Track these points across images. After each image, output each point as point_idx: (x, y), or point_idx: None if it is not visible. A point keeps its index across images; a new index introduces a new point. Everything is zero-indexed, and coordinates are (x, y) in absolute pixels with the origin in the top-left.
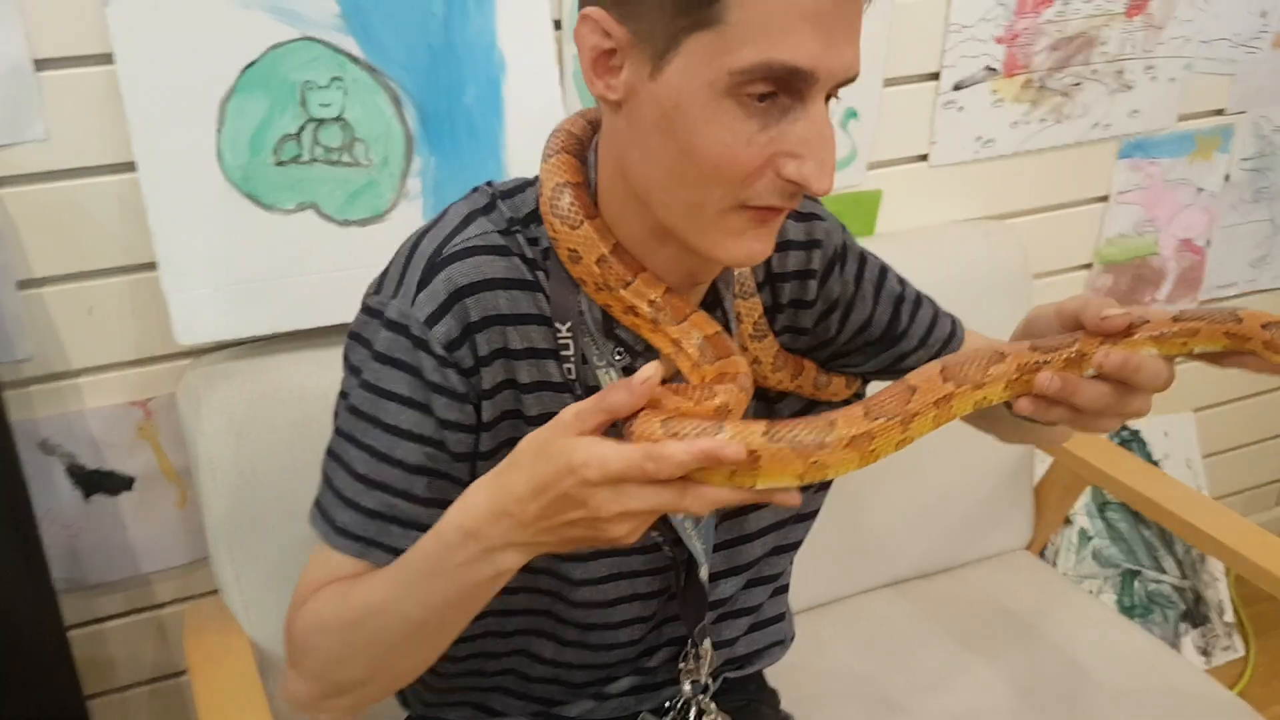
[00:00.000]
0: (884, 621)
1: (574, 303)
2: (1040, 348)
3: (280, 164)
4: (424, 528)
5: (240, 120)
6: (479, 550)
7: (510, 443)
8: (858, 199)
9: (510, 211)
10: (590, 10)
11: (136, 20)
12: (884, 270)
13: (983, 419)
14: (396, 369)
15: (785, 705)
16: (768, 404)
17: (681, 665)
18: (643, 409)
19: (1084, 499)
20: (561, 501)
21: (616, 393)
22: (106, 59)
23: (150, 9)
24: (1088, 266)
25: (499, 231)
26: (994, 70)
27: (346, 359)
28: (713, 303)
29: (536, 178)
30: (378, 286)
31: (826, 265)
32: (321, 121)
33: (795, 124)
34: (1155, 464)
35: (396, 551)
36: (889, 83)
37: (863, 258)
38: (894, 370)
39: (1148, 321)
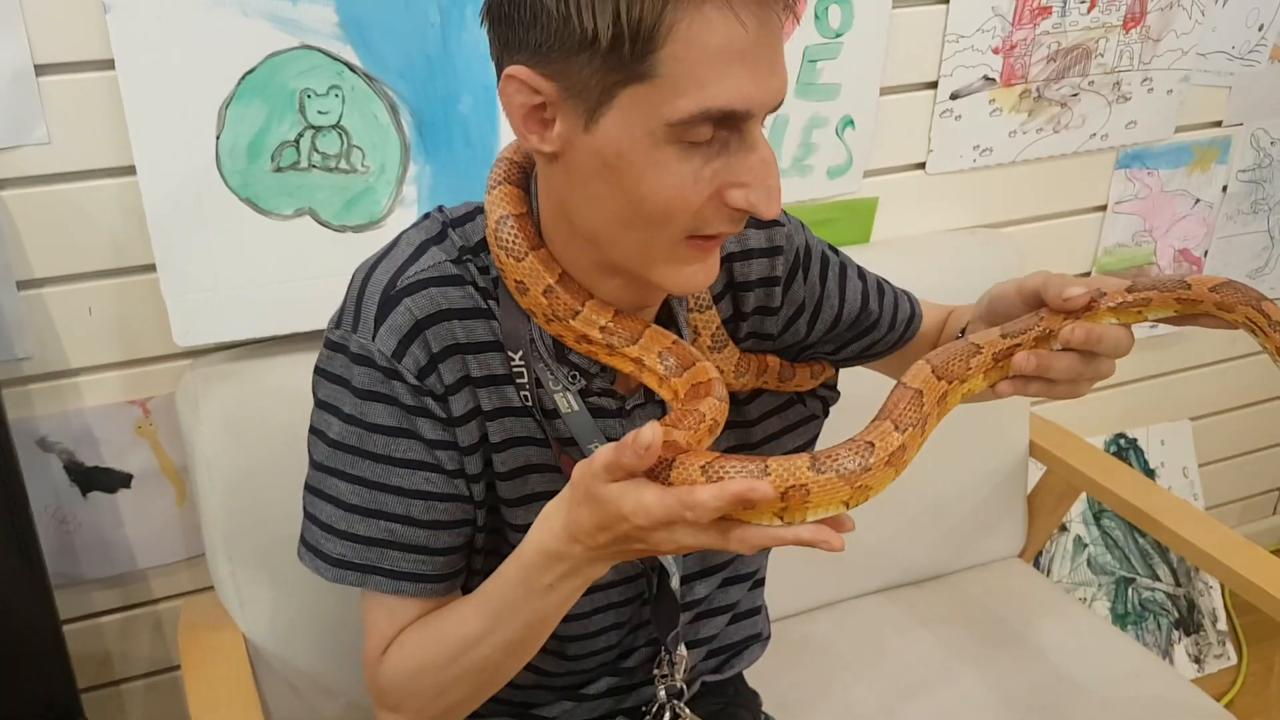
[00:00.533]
0: (873, 627)
1: (524, 330)
2: (1009, 333)
3: (278, 170)
4: (425, 550)
5: (239, 126)
6: (565, 569)
7: (489, 465)
8: (854, 206)
9: (461, 240)
10: (514, 70)
11: (137, 27)
12: (844, 266)
13: None
14: (376, 401)
15: (768, 708)
16: (737, 406)
17: (656, 671)
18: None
19: (1080, 507)
20: (624, 538)
21: (627, 454)
22: (108, 65)
23: (150, 16)
24: (1086, 275)
25: (451, 260)
26: (992, 80)
27: (316, 395)
28: (666, 319)
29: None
30: (337, 320)
31: (790, 271)
32: (319, 129)
33: (738, 155)
34: (1151, 472)
35: (399, 574)
36: (886, 91)
37: (825, 256)
38: (865, 355)
39: (1105, 294)
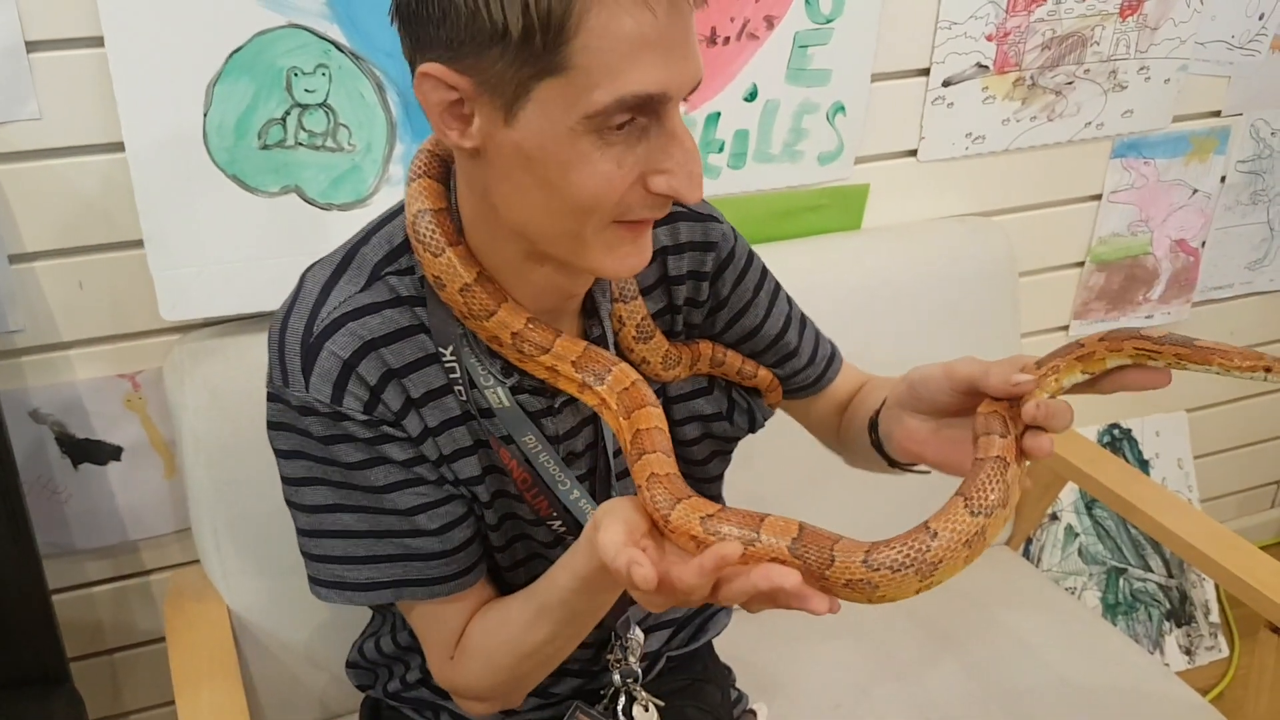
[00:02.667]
0: (853, 609)
1: (454, 324)
2: (1003, 434)
3: (265, 147)
4: (444, 554)
5: (226, 104)
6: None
7: (456, 476)
8: (845, 193)
9: (382, 247)
10: (427, 67)
11: (126, 4)
12: (778, 287)
13: (836, 439)
14: (338, 443)
15: (742, 684)
16: (669, 401)
17: (609, 657)
18: (682, 496)
19: (1072, 496)
20: None
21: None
22: (97, 41)
23: None
24: (1080, 265)
25: (360, 290)
26: (985, 67)
27: (278, 446)
28: (590, 310)
29: None
30: (269, 376)
31: (718, 267)
32: (306, 107)
33: (658, 141)
34: (1145, 463)
35: (429, 581)
36: (877, 78)
37: (764, 271)
38: (789, 387)
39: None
